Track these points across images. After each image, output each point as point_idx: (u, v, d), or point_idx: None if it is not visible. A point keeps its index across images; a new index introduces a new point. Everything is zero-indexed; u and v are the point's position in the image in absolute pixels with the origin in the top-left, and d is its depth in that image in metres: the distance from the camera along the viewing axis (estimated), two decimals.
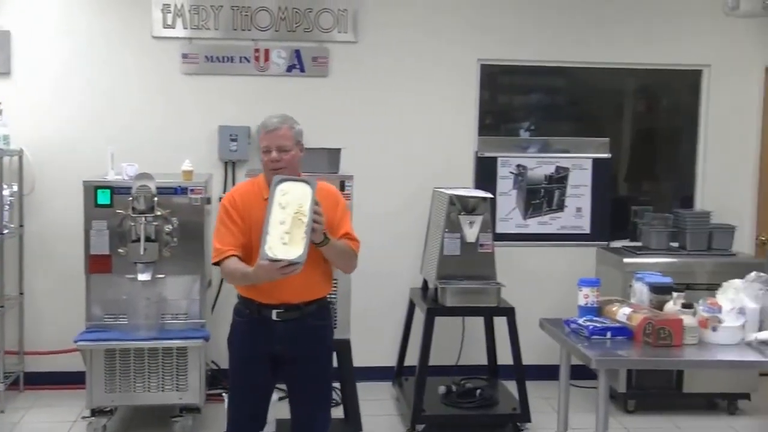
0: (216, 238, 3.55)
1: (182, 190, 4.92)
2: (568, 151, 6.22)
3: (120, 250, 4.80)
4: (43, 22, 5.76)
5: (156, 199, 4.79)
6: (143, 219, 4.75)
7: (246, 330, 3.62)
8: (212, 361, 5.63)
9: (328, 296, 3.71)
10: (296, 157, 3.57)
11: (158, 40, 5.82)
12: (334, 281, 4.67)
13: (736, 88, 6.29)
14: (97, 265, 4.84)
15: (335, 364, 4.83)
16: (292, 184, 3.35)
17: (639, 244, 5.90)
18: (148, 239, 4.76)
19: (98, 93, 5.82)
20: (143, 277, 4.80)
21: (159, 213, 4.80)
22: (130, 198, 4.77)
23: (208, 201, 5.11)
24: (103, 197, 4.84)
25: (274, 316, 3.53)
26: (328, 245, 3.42)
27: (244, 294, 3.62)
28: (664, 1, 6.20)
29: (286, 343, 3.55)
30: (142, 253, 4.75)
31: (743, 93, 6.29)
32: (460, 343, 5.66)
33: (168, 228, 4.83)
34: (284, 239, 3.24)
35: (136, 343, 4.77)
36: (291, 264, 3.22)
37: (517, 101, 6.56)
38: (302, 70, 5.92)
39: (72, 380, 5.52)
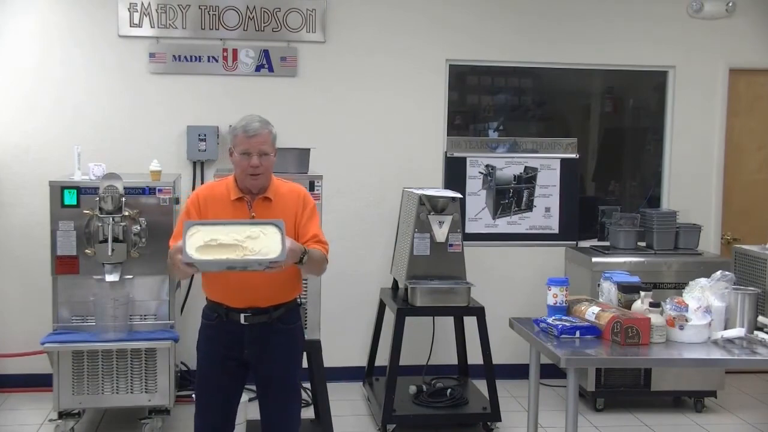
0: (172, 238, 3.54)
1: (150, 191, 4.87)
2: (536, 152, 6.25)
3: (87, 251, 4.76)
4: (8, 20, 5.69)
5: (123, 199, 4.75)
6: (111, 219, 4.71)
7: (214, 334, 3.60)
8: (181, 363, 5.59)
9: (298, 299, 3.70)
10: (273, 162, 3.56)
11: (125, 39, 5.78)
12: (304, 281, 4.69)
13: (701, 88, 6.37)
14: (63, 266, 4.79)
15: (305, 364, 4.85)
16: (266, 238, 3.25)
17: (607, 243, 5.94)
18: (115, 240, 4.72)
19: (64, 93, 5.75)
20: (111, 278, 4.76)
21: (127, 213, 4.76)
22: (97, 198, 4.73)
23: (177, 201, 5.08)
24: (70, 198, 4.79)
25: (242, 320, 3.51)
26: (308, 260, 3.38)
27: (212, 298, 3.60)
28: (630, 2, 6.27)
29: (255, 346, 3.54)
30: (109, 253, 4.71)
31: (708, 94, 6.37)
32: (430, 342, 5.67)
33: (136, 228, 4.79)
34: (210, 242, 3.19)
35: (103, 345, 4.73)
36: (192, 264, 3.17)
37: (486, 101, 6.59)
38: (271, 69, 5.91)
39: (39, 383, 5.47)
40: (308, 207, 3.60)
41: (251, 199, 3.52)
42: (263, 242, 3.21)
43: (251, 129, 3.47)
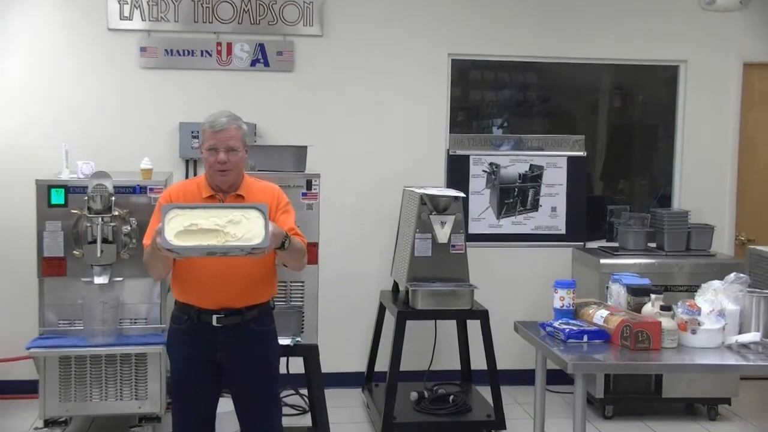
0: (144, 237, 3.56)
1: (141, 190, 4.85)
2: (542, 149, 6.24)
3: (75, 252, 4.73)
4: None
5: (113, 198, 4.72)
6: (100, 219, 4.68)
7: (185, 338, 3.60)
8: (170, 368, 5.56)
9: (271, 301, 3.70)
10: (242, 159, 3.57)
11: (115, 32, 5.76)
12: (301, 284, 4.69)
13: (714, 84, 6.34)
14: (50, 268, 4.76)
15: (302, 370, 4.83)
16: (249, 222, 3.24)
17: (616, 244, 5.93)
18: (104, 240, 4.70)
19: (51, 88, 5.74)
20: (100, 280, 4.74)
21: (116, 213, 4.73)
22: (86, 197, 4.70)
23: None
24: (57, 197, 4.76)
25: (214, 322, 3.51)
26: (289, 247, 3.39)
27: (181, 299, 3.60)
28: None
29: (229, 349, 3.54)
30: (98, 255, 4.68)
31: (721, 89, 6.35)
32: (432, 347, 5.65)
33: (126, 229, 4.76)
34: (189, 227, 3.18)
35: (92, 350, 4.70)
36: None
37: (490, 97, 6.56)
38: (266, 64, 5.88)
39: (24, 389, 5.44)
40: (283, 202, 3.62)
41: (223, 197, 3.54)
42: (245, 227, 3.22)
43: (218, 124, 3.48)
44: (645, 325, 3.74)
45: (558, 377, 4.90)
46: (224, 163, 3.47)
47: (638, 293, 4.09)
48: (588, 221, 6.28)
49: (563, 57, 6.27)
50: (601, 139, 6.63)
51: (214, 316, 3.51)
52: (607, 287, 4.32)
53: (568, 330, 3.85)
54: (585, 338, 3.82)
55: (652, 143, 6.68)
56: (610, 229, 6.14)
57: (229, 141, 3.47)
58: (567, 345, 3.79)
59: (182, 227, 3.18)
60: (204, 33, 5.82)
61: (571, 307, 4.10)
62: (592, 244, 6.15)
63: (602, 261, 5.58)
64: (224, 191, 3.55)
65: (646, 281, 4.27)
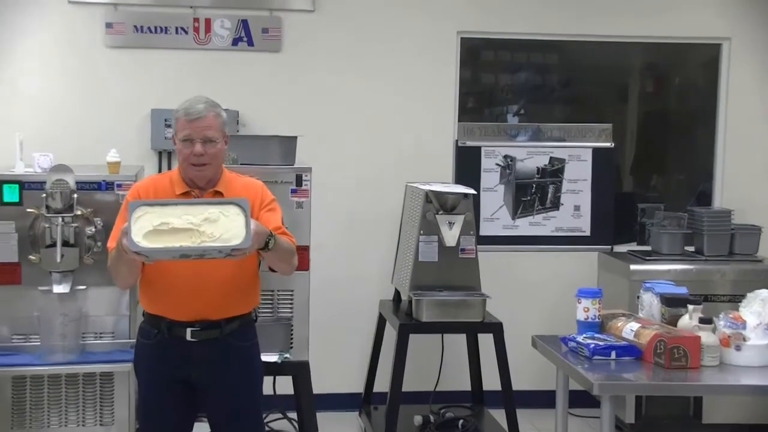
0: (109, 240, 3.54)
1: (107, 186, 4.83)
2: (563, 140, 6.24)
3: (31, 257, 4.71)
4: None
5: (75, 195, 4.70)
6: (60, 220, 4.66)
7: (155, 355, 3.59)
8: (137, 389, 5.55)
9: (253, 312, 3.70)
10: (221, 151, 3.57)
11: (76, 6, 5.76)
12: (290, 293, 4.67)
13: (761, 65, 6.34)
14: (3, 275, 4.74)
15: (291, 390, 4.81)
16: (227, 220, 3.23)
17: (648, 248, 5.93)
18: (65, 244, 4.68)
19: (2, 69, 5.74)
20: (60, 289, 4.72)
21: (79, 212, 4.71)
22: (44, 195, 4.68)
23: None
24: (10, 194, 4.74)
25: (188, 336, 3.51)
26: (275, 247, 3.37)
27: (151, 310, 3.59)
28: None
29: (204, 368, 3.53)
30: (58, 260, 4.66)
31: None
32: (438, 364, 5.65)
33: (90, 230, 4.74)
34: (160, 226, 3.16)
35: (51, 369, 4.67)
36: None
37: (504, 81, 6.58)
38: (250, 43, 5.89)
39: None
40: (267, 199, 3.62)
41: (199, 194, 3.54)
42: (224, 225, 3.20)
43: (194, 111, 3.47)
44: (682, 340, 3.73)
45: (582, 399, 4.89)
46: (200, 155, 3.45)
47: (674, 304, 4.08)
48: (616, 222, 6.28)
49: (588, 34, 6.27)
50: (632, 128, 6.63)
51: (188, 330, 3.50)
52: (638, 297, 4.32)
53: (593, 345, 3.84)
54: (613, 355, 3.82)
55: (689, 132, 6.68)
56: (641, 230, 6.14)
57: (207, 131, 3.46)
58: (592, 362, 3.79)
59: (151, 227, 3.16)
60: (179, 7, 5.82)
61: (597, 320, 4.11)
62: (621, 248, 6.15)
63: (632, 267, 5.58)
64: (201, 187, 3.54)
65: (682, 290, 4.27)
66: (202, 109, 3.47)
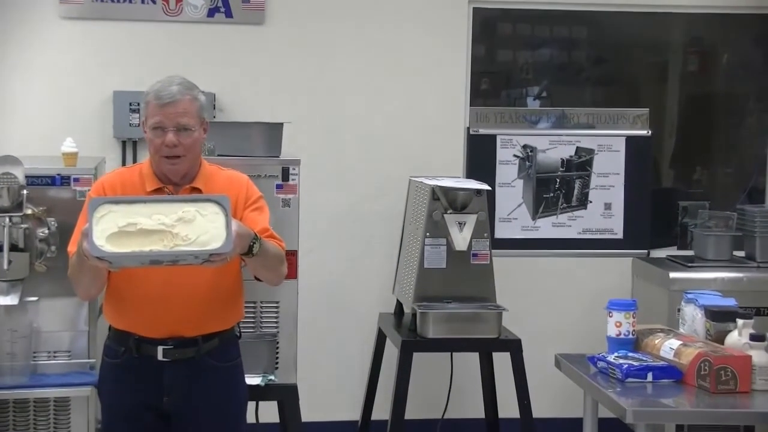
0: (70, 243, 3.51)
1: (63, 180, 4.83)
2: (592, 127, 6.26)
3: None
4: None
5: (25, 192, 4.70)
6: (7, 220, 4.67)
7: (121, 376, 3.59)
8: (101, 415, 5.57)
9: (236, 328, 3.71)
10: (199, 140, 3.56)
11: None
12: (275, 305, 4.68)
13: None
14: None
15: (276, 418, 4.82)
16: (204, 220, 3.22)
17: (690, 253, 5.96)
18: (13, 248, 4.68)
19: None
20: (7, 300, 4.71)
21: (30, 211, 4.72)
22: None
23: None
24: None
25: (160, 355, 3.51)
26: (260, 252, 3.37)
27: (118, 325, 3.60)
28: None
29: (178, 392, 3.54)
30: (5, 267, 4.67)
31: None
32: (447, 388, 5.67)
33: (42, 232, 4.75)
34: (126, 227, 3.15)
35: None
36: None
37: (524, 58, 6.60)
38: (229, 14, 5.90)
39: None
40: (253, 197, 3.63)
41: (174, 190, 3.53)
42: (200, 226, 3.19)
43: (166, 94, 3.45)
44: (730, 360, 3.74)
45: (613, 428, 4.91)
46: (174, 147, 3.45)
47: (720, 318, 4.09)
48: (653, 222, 6.30)
49: (622, 3, 6.28)
50: (672, 113, 6.65)
51: (160, 348, 3.50)
52: (679, 309, 4.34)
53: (626, 366, 3.85)
54: (649, 377, 3.83)
55: (739, 119, 6.70)
56: (683, 232, 6.15)
57: (181, 117, 3.45)
58: (625, 386, 3.80)
59: (117, 228, 3.15)
60: None
61: (631, 336, 4.11)
62: (659, 253, 6.18)
63: (672, 275, 5.60)
64: (175, 183, 3.54)
65: (731, 301, 4.28)
66: (175, 92, 3.45)
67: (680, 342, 3.94)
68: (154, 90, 3.49)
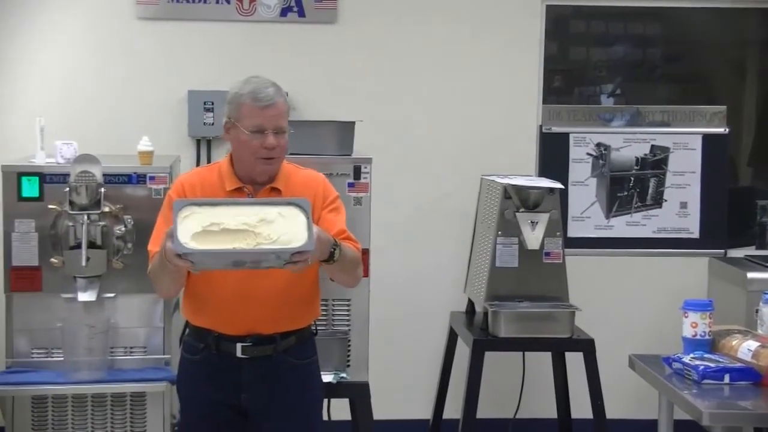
0: (150, 242, 3.54)
1: (139, 178, 4.89)
2: (668, 125, 6.20)
3: (53, 261, 4.78)
4: None
5: (103, 190, 4.76)
6: (85, 217, 4.73)
7: (200, 373, 3.62)
8: (180, 411, 5.62)
9: (312, 325, 3.73)
10: (287, 141, 3.57)
11: None
12: (347, 303, 4.70)
13: None
14: (21, 280, 4.82)
15: (348, 416, 4.84)
16: (285, 222, 3.23)
17: None
18: (92, 245, 4.74)
19: (22, 47, 5.82)
20: (85, 296, 4.78)
21: (107, 209, 4.78)
22: (67, 189, 4.75)
23: None
24: (30, 188, 4.82)
25: (238, 352, 3.53)
26: (340, 257, 3.37)
27: (196, 322, 3.63)
28: None
29: (256, 390, 3.56)
30: (84, 264, 4.73)
31: None
32: (519, 388, 5.66)
33: (119, 230, 4.81)
34: (210, 227, 3.18)
35: (74, 388, 4.75)
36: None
37: (597, 56, 6.56)
38: (301, 14, 5.92)
39: None
40: (330, 197, 3.63)
41: (254, 191, 3.54)
42: (282, 227, 3.20)
43: (265, 96, 3.46)
44: None
45: (689, 430, 4.86)
46: (273, 149, 3.46)
47: None
48: (730, 221, 6.23)
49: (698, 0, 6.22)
50: (750, 110, 6.58)
51: (239, 345, 3.53)
52: (757, 310, 4.26)
53: (703, 367, 3.82)
54: (726, 378, 3.80)
55: None
56: (761, 232, 6.09)
57: (280, 120, 3.47)
58: (701, 387, 3.77)
59: (200, 227, 3.17)
60: None
61: (707, 337, 4.08)
62: (736, 253, 6.12)
63: (750, 275, 5.55)
64: (256, 183, 3.55)
65: None
66: (273, 94, 3.46)
67: (758, 343, 3.89)
68: (249, 91, 3.47)
